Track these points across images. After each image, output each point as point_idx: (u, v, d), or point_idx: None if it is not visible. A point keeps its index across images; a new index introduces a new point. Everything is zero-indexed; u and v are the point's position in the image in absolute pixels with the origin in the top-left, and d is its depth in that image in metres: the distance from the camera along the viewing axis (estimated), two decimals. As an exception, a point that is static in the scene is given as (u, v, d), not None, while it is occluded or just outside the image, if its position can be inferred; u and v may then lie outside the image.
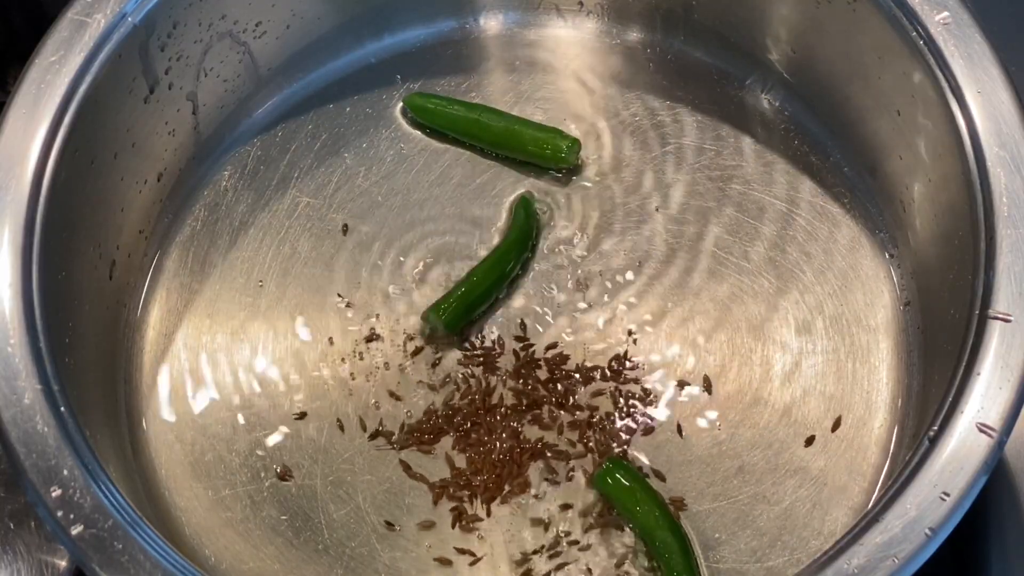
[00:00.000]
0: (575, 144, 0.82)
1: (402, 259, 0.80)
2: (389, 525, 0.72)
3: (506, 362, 0.76)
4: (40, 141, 0.69)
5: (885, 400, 0.75)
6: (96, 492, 0.61)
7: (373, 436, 0.74)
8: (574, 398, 0.75)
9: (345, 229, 0.81)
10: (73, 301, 0.71)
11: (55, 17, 0.72)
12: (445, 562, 0.71)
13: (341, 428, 0.75)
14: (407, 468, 0.73)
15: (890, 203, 0.79)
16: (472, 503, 0.72)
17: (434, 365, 0.76)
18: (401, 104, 0.85)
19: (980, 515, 0.71)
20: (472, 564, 0.71)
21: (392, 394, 0.76)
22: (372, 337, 0.77)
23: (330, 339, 0.78)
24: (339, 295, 0.79)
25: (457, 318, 0.76)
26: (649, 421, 0.74)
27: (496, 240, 0.80)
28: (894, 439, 0.73)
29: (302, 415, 0.75)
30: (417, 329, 0.78)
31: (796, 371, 0.76)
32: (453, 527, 0.71)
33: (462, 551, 0.71)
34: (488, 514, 0.72)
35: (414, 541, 0.71)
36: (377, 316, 0.78)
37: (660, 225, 0.81)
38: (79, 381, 0.68)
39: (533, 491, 0.72)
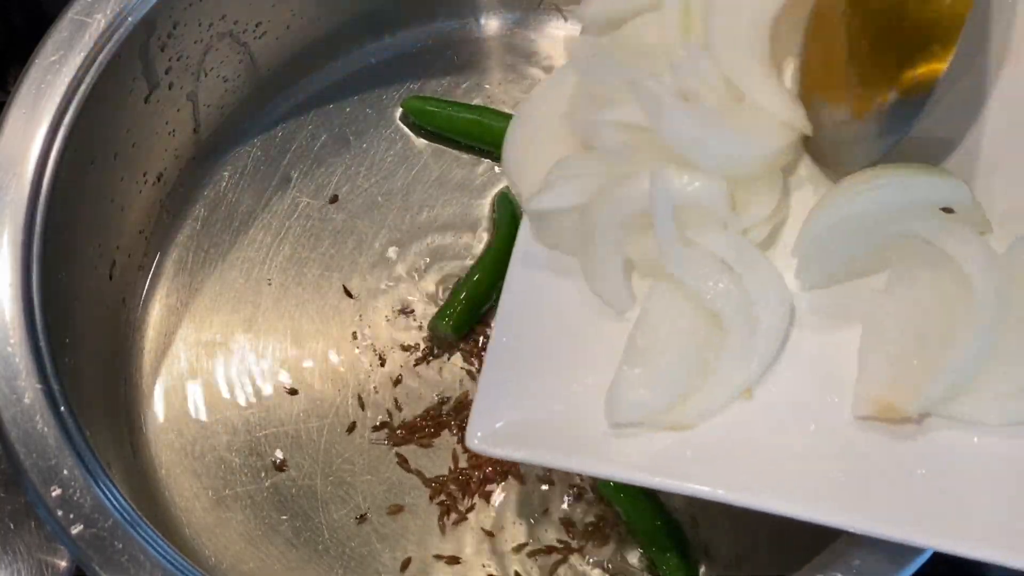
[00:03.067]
0: (575, 144, 0.82)
1: (402, 259, 0.80)
2: (388, 524, 0.72)
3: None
4: (40, 141, 0.69)
5: (885, 400, 0.74)
6: (96, 492, 0.61)
7: (376, 428, 0.74)
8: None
9: (334, 199, 0.82)
10: (73, 301, 0.71)
11: (55, 17, 0.72)
12: (445, 562, 0.71)
13: (341, 428, 0.75)
14: (404, 462, 0.73)
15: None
16: (464, 500, 0.72)
17: (433, 362, 0.77)
18: (401, 106, 0.85)
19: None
20: (470, 564, 0.71)
21: (394, 393, 0.76)
22: (372, 336, 0.77)
23: (330, 339, 0.78)
24: (339, 295, 0.79)
25: (462, 322, 0.77)
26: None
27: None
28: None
29: (294, 391, 0.75)
30: (418, 328, 0.78)
31: (796, 371, 0.75)
32: (440, 520, 0.72)
33: (445, 556, 0.71)
34: (472, 509, 0.72)
35: (414, 541, 0.72)
36: (377, 315, 0.78)
37: (660, 225, 0.81)
38: (79, 381, 0.68)
39: (534, 490, 0.72)
